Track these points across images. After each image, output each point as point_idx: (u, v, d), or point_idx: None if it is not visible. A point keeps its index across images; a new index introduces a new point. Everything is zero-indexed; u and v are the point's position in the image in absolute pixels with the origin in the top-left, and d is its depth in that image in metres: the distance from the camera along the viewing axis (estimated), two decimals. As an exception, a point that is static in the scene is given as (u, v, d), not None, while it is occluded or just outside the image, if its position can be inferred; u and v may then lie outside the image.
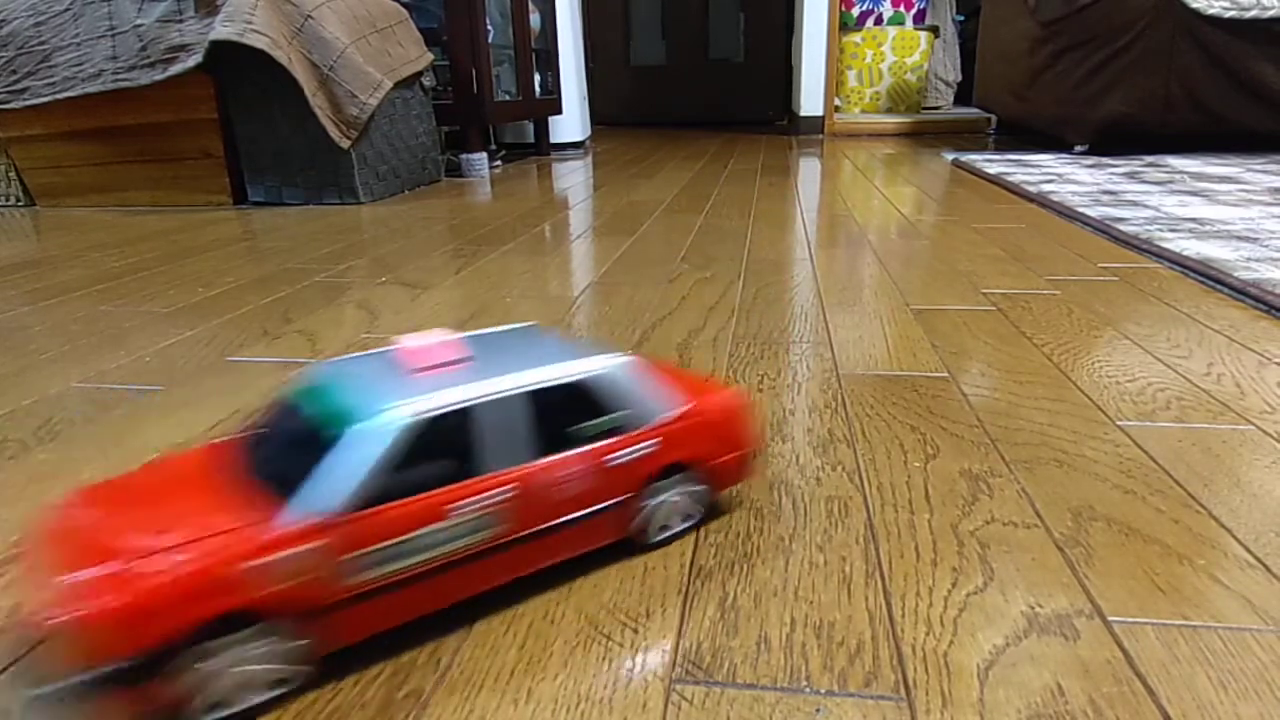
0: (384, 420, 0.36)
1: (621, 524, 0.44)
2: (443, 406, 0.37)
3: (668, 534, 0.47)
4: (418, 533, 0.37)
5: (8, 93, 1.90)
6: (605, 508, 0.43)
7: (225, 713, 0.34)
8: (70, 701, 0.30)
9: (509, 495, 0.39)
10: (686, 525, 0.48)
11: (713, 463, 0.47)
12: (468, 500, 0.38)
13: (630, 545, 0.46)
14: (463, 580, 0.39)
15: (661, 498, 0.46)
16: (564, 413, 0.42)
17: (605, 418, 0.43)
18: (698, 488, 0.47)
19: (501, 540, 0.40)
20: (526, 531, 0.41)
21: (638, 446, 0.44)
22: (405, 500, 0.36)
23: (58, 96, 1.86)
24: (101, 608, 0.30)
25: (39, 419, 0.68)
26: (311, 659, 0.36)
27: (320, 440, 0.36)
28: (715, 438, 0.47)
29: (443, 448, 0.38)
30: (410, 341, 0.41)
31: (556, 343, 0.45)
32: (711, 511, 0.50)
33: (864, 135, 3.57)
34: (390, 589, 0.37)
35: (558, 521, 0.42)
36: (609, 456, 0.43)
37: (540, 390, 0.41)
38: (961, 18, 4.52)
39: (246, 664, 0.34)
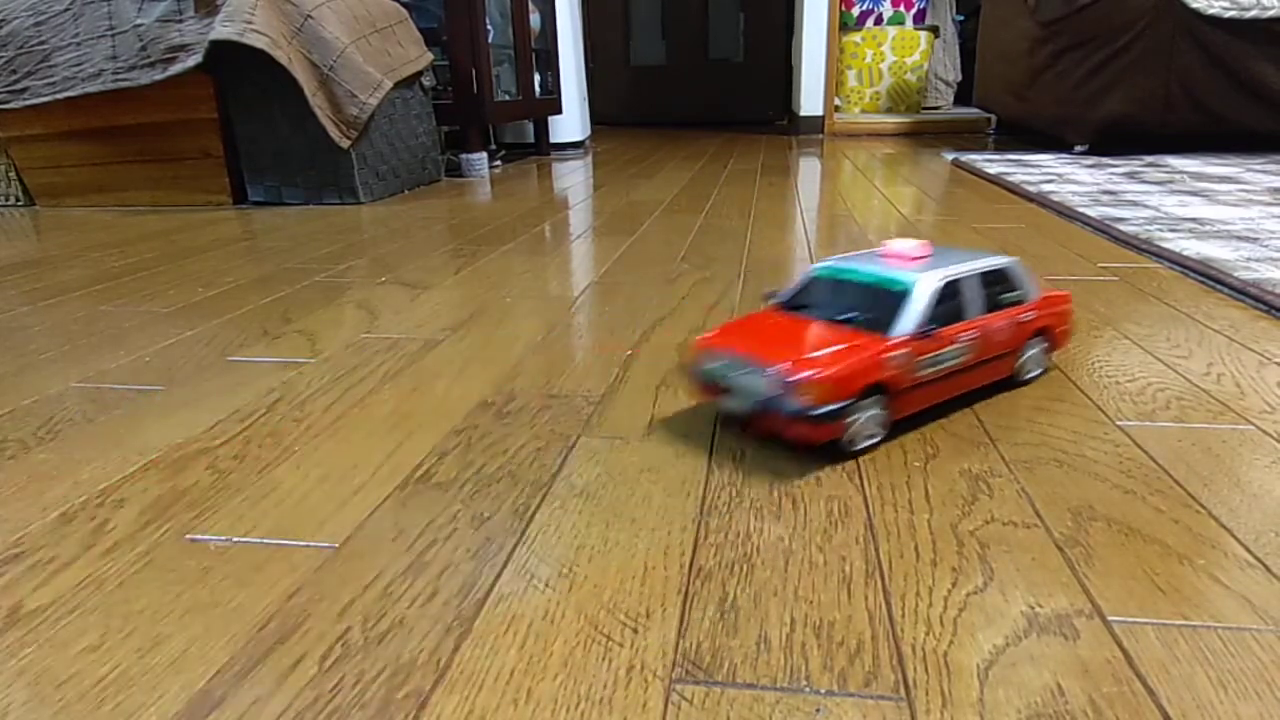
0: (928, 281, 0.60)
1: (1010, 365, 0.66)
2: (949, 276, 0.61)
3: (1030, 376, 0.69)
4: (942, 351, 0.59)
5: (8, 92, 1.90)
6: (1010, 351, 0.66)
7: (854, 448, 0.57)
8: (811, 420, 0.53)
9: (977, 334, 0.61)
10: (1038, 372, 0.70)
11: (1056, 331, 0.69)
12: (962, 334, 0.61)
13: (1010, 382, 0.68)
14: (951, 386, 0.62)
15: (1031, 351, 0.68)
16: (996, 287, 0.64)
17: (1015, 292, 0.66)
18: (1046, 346, 0.69)
19: (970, 363, 0.62)
20: (980, 360, 0.63)
21: (1029, 313, 0.66)
22: (936, 330, 0.59)
23: (58, 96, 1.86)
24: (830, 375, 0.53)
25: (39, 419, 0.68)
26: (888, 424, 0.58)
27: (887, 295, 0.60)
28: (1057, 315, 0.69)
29: (948, 301, 0.60)
30: (894, 245, 0.65)
31: (970, 251, 0.68)
32: (713, 514, 0.50)
33: (864, 135, 3.57)
34: (927, 383, 0.59)
35: (992, 356, 0.64)
36: (1018, 316, 0.65)
37: (988, 270, 0.64)
38: (961, 17, 4.52)
39: (870, 419, 0.57)
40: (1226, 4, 2.07)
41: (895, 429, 0.61)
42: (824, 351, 0.55)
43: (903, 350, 0.57)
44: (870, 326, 0.58)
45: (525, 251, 1.30)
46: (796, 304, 0.65)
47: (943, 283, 0.60)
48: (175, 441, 0.63)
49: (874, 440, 0.57)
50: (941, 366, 0.60)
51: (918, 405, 0.60)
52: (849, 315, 0.61)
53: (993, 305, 0.63)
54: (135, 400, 0.71)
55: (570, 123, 3.17)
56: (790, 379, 0.53)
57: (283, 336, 0.89)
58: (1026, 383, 0.69)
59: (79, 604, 0.43)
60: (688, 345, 0.61)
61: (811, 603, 0.41)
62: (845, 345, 0.56)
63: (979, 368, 0.63)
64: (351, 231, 1.53)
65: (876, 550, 0.46)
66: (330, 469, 0.57)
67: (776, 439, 0.59)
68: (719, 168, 2.47)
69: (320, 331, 0.90)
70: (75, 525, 0.51)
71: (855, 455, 0.57)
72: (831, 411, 0.53)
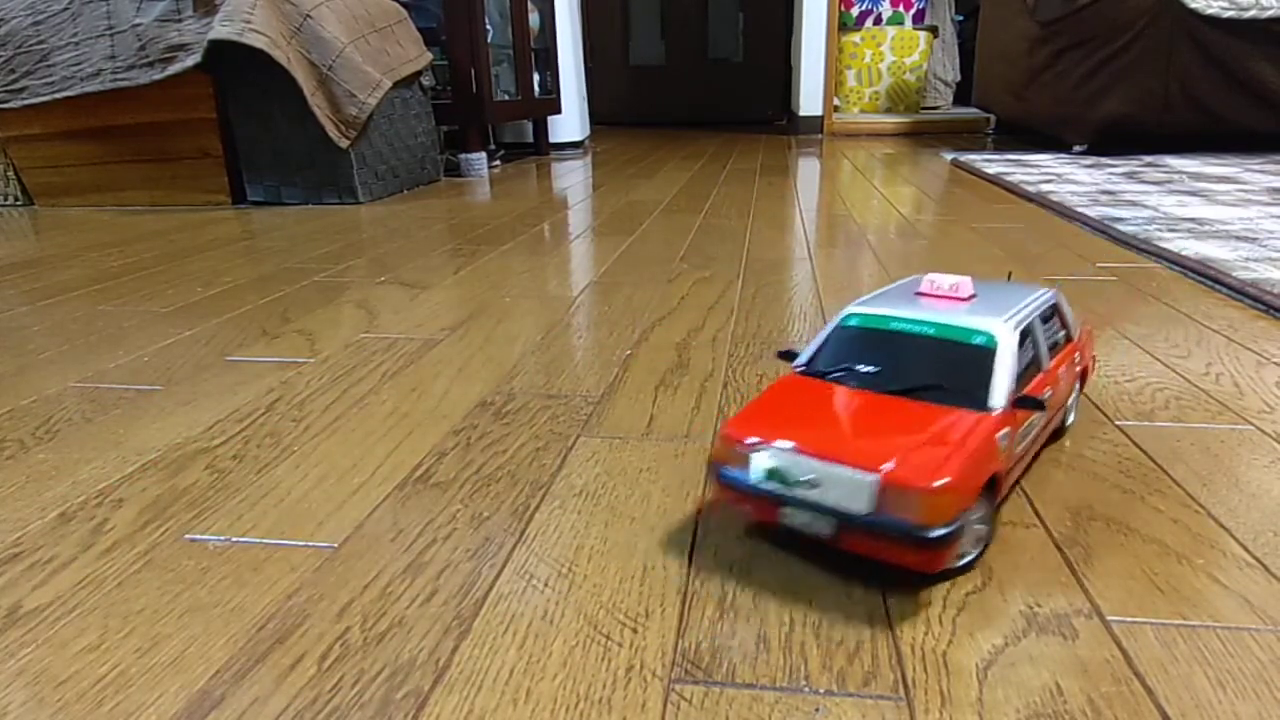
0: (1010, 331, 0.46)
1: (1059, 417, 0.55)
2: (1021, 321, 0.48)
3: (1069, 423, 0.59)
4: (1033, 419, 0.47)
5: (6, 92, 1.90)
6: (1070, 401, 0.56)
7: (961, 563, 0.42)
8: (933, 544, 0.39)
9: (1051, 391, 0.50)
10: (1073, 419, 0.60)
11: (1089, 368, 0.60)
12: (1044, 387, 0.49)
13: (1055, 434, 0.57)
14: (1026, 460, 0.49)
15: (1074, 396, 0.57)
16: (1050, 324, 0.53)
17: (1064, 330, 0.55)
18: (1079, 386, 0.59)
19: (1046, 424, 0.51)
20: (1050, 420, 0.52)
21: (1077, 354, 0.55)
22: (1034, 396, 0.45)
23: (56, 96, 1.86)
24: (956, 479, 0.39)
25: (38, 419, 0.68)
26: (993, 527, 0.45)
27: (962, 353, 0.46)
28: (1091, 351, 0.61)
29: (1024, 354, 0.48)
30: (933, 281, 0.53)
31: (1006, 283, 0.56)
32: (713, 513, 0.50)
33: (863, 135, 3.57)
34: (1015, 464, 0.46)
35: (1057, 410, 0.53)
36: (1073, 360, 0.55)
37: (1045, 309, 0.52)
38: (960, 18, 4.52)
39: (977, 523, 0.42)
40: (1225, 4, 2.07)
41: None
42: (921, 443, 0.40)
43: (1006, 428, 0.43)
44: (954, 399, 0.44)
45: (524, 251, 1.30)
46: (829, 369, 0.49)
47: (1019, 332, 0.47)
48: (174, 441, 0.63)
49: (976, 553, 0.43)
50: (1029, 439, 0.47)
51: (1002, 494, 0.46)
52: (919, 384, 0.46)
53: (1051, 350, 0.52)
54: (134, 400, 0.71)
55: (569, 123, 3.17)
56: (903, 489, 0.38)
57: (282, 336, 0.88)
58: (1064, 431, 0.59)
59: (78, 604, 0.43)
60: (718, 437, 0.46)
61: (810, 602, 0.41)
62: (942, 429, 0.41)
63: (1046, 428, 0.51)
64: (350, 231, 1.53)
65: (875, 550, 0.46)
66: (329, 469, 0.57)
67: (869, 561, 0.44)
68: (718, 168, 2.47)
69: (319, 331, 0.90)
70: (74, 525, 0.51)
71: (956, 573, 0.43)
72: (958, 529, 0.39)
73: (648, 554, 0.46)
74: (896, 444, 0.40)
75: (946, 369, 0.46)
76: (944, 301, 0.50)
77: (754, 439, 0.43)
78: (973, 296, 0.51)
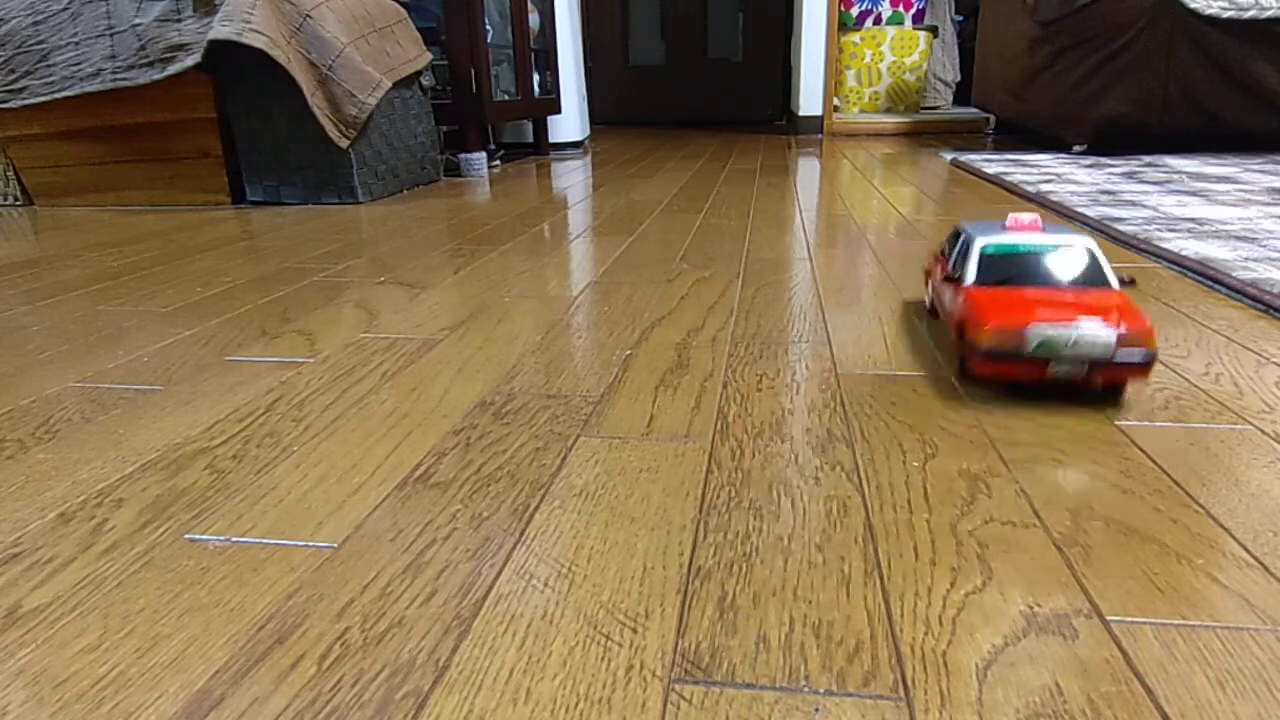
0: (1094, 242, 0.70)
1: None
2: (1020, 243, 0.71)
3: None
4: None
5: (6, 92, 1.90)
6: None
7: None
8: (1148, 364, 0.62)
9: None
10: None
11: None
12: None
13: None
14: None
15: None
16: (1089, 265, 0.70)
17: (1105, 276, 0.69)
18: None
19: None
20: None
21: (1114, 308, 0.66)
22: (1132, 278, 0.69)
23: (56, 96, 1.86)
24: (1149, 322, 0.62)
25: (37, 419, 0.68)
26: None
27: (1078, 257, 0.69)
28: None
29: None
30: (1020, 219, 0.73)
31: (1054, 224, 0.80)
32: (712, 513, 0.50)
33: (863, 135, 3.57)
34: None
35: None
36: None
37: (1071, 248, 0.70)
38: (960, 18, 4.52)
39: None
40: (1225, 4, 2.07)
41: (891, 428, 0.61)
42: (1112, 309, 0.64)
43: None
44: (1092, 284, 0.68)
45: (524, 251, 1.30)
46: (999, 280, 0.70)
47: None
48: (174, 441, 0.62)
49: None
50: None
51: None
52: (1073, 279, 0.69)
53: (1090, 278, 0.72)
54: (134, 400, 0.71)
55: (569, 122, 3.17)
56: (1135, 334, 0.61)
57: (281, 336, 0.88)
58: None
59: (77, 604, 0.43)
60: (983, 330, 0.64)
61: (810, 602, 0.41)
62: (1108, 302, 0.64)
63: None
64: (350, 231, 1.53)
65: (875, 550, 0.46)
66: (329, 469, 0.57)
67: (1091, 390, 0.67)
68: (718, 167, 2.47)
69: (319, 331, 0.90)
70: (73, 525, 0.51)
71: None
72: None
73: (648, 554, 0.46)
74: (1104, 312, 0.62)
75: (1073, 268, 0.69)
76: (1033, 231, 0.72)
77: (1010, 326, 0.63)
78: (1037, 224, 0.73)
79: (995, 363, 0.64)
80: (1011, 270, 0.69)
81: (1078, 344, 0.61)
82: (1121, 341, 0.61)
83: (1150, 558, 0.44)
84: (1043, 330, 0.62)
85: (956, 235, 0.79)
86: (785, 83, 4.61)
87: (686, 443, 0.60)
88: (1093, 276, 0.68)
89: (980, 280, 0.70)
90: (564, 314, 0.94)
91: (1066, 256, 0.69)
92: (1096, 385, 0.66)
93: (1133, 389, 0.67)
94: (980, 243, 0.72)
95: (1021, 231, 0.72)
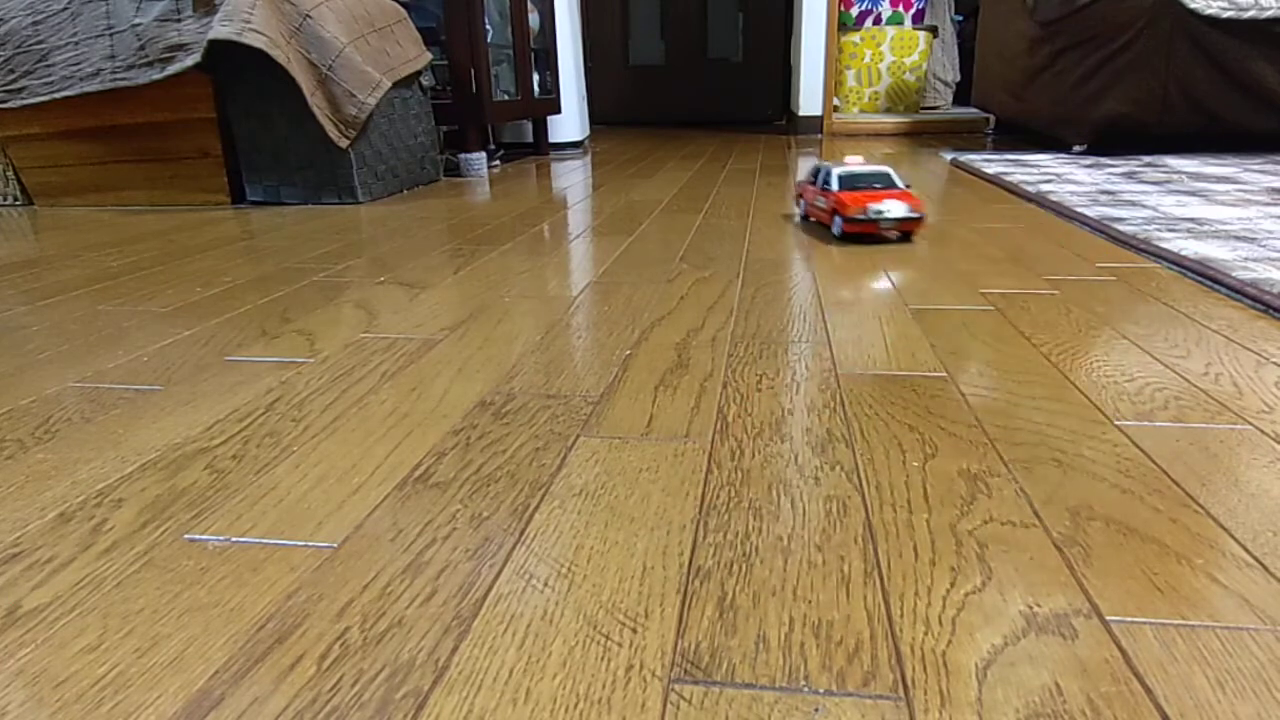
0: (894, 170, 1.42)
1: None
2: (857, 170, 1.36)
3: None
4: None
5: (5, 92, 1.90)
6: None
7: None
8: (919, 220, 1.28)
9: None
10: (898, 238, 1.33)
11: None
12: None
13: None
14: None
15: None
16: (889, 178, 1.35)
17: (897, 183, 1.34)
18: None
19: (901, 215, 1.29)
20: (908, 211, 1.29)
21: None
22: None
23: (55, 95, 1.86)
24: (919, 203, 1.28)
25: (37, 419, 0.68)
26: None
27: (884, 176, 1.34)
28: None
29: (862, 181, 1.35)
30: (851, 159, 1.38)
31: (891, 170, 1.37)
32: (712, 513, 0.50)
33: (863, 135, 3.57)
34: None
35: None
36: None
37: (886, 173, 1.35)
38: (960, 18, 4.52)
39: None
40: (1224, 4, 2.07)
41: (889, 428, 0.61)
42: (906, 196, 1.27)
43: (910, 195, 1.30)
44: (892, 187, 1.31)
45: (524, 251, 1.30)
46: (847, 188, 1.32)
47: (892, 170, 1.36)
48: (173, 441, 0.62)
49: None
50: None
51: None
52: (881, 185, 1.32)
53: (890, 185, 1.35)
54: (133, 400, 0.71)
55: (569, 122, 3.17)
56: (918, 206, 1.26)
57: (281, 336, 0.88)
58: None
59: (77, 604, 0.43)
60: (844, 205, 1.28)
61: (810, 602, 0.41)
62: (905, 194, 1.27)
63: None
64: (350, 231, 1.53)
65: (875, 550, 0.46)
66: (329, 469, 0.57)
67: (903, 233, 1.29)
68: (718, 168, 2.47)
69: (319, 331, 0.90)
70: (73, 525, 0.51)
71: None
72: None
73: (647, 554, 0.46)
74: (900, 198, 1.26)
75: (884, 180, 1.32)
76: (861, 164, 1.35)
77: (870, 204, 1.25)
78: (864, 162, 1.36)
79: (855, 224, 1.26)
80: (856, 183, 1.32)
81: (890, 211, 1.24)
82: (909, 210, 1.25)
83: (1150, 558, 0.44)
84: (875, 205, 1.25)
85: (817, 170, 1.41)
86: (785, 83, 4.61)
87: (686, 443, 0.60)
88: (891, 183, 1.31)
89: (840, 189, 1.31)
90: (564, 314, 0.94)
91: (879, 174, 1.32)
92: (900, 231, 1.30)
93: (917, 234, 1.32)
94: (837, 170, 1.33)
95: (855, 164, 1.35)
